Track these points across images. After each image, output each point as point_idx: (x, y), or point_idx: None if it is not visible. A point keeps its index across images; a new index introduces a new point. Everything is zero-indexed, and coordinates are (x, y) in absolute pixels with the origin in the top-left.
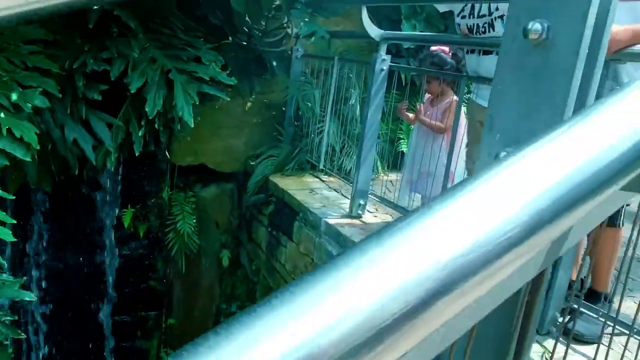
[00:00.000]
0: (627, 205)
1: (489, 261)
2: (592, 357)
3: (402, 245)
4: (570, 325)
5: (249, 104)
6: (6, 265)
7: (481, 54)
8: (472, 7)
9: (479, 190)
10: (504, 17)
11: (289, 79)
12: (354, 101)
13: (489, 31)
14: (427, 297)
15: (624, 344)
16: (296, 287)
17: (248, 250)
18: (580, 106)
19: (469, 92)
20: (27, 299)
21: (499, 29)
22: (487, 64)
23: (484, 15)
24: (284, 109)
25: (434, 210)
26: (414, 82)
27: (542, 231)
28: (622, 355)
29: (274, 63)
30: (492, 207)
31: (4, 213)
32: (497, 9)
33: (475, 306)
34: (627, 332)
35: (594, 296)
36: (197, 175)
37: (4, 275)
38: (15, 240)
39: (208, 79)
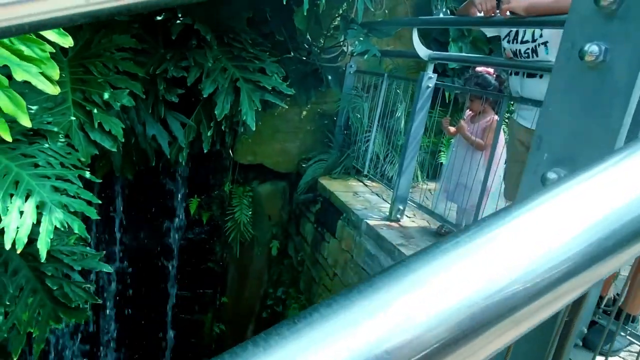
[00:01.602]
0: None
1: (543, 291)
2: None
3: (452, 266)
4: (590, 336)
5: (304, 112)
6: (90, 240)
7: (525, 76)
8: (516, 33)
9: (538, 213)
10: (547, 44)
11: (341, 91)
12: (399, 114)
13: (532, 57)
14: (475, 325)
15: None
16: (337, 302)
17: (295, 242)
18: (635, 129)
19: (510, 112)
20: (105, 271)
21: (542, 55)
22: (529, 86)
23: (527, 42)
24: (335, 118)
25: (490, 230)
26: (457, 100)
27: (602, 261)
28: None
29: (329, 77)
30: (552, 232)
31: (91, 194)
32: (541, 35)
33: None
34: None
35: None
36: (255, 172)
37: (87, 248)
38: (99, 218)
39: (270, 88)
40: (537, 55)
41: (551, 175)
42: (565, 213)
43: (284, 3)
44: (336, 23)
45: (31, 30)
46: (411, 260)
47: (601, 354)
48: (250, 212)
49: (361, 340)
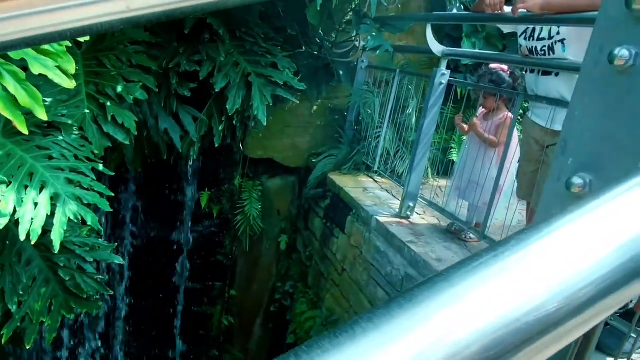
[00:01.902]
0: None
1: (584, 307)
2: None
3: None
4: (602, 338)
5: (315, 107)
6: (103, 231)
7: (540, 74)
8: (533, 30)
9: (579, 226)
10: (565, 42)
11: (353, 87)
12: (410, 111)
13: (549, 54)
14: (515, 342)
15: None
16: (378, 316)
17: (304, 237)
18: None
19: (525, 110)
20: (117, 262)
21: (559, 52)
22: (544, 84)
23: (543, 39)
24: (346, 113)
25: (529, 243)
26: (470, 96)
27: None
28: None
29: (341, 72)
30: (594, 247)
31: (104, 187)
32: (558, 33)
33: None
34: None
35: (631, 315)
36: (265, 167)
37: (100, 240)
38: (111, 210)
39: (282, 83)
40: (553, 53)
41: (577, 180)
42: (608, 226)
43: None
44: (348, 18)
45: (73, 37)
46: (450, 273)
47: (611, 355)
48: (259, 206)
49: (403, 355)
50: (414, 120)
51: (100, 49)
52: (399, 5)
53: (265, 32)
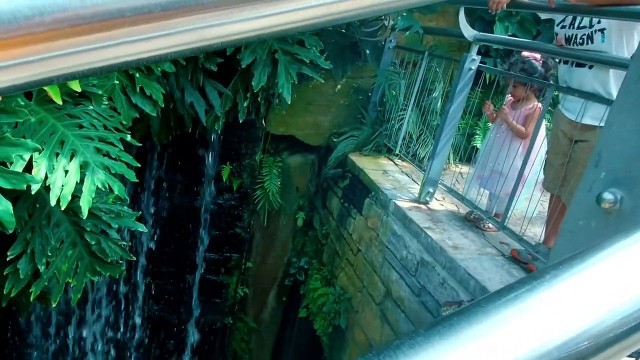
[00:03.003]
0: None
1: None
2: None
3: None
4: None
5: (339, 86)
6: (128, 200)
7: (574, 65)
8: (574, 18)
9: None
10: (605, 31)
11: (379, 67)
12: (436, 94)
13: (587, 43)
14: None
15: None
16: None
17: (321, 215)
18: None
19: (556, 102)
20: (140, 230)
21: (598, 42)
22: (578, 76)
23: (584, 27)
24: (370, 94)
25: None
26: (498, 82)
27: None
28: None
29: (367, 51)
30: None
31: (130, 157)
32: (599, 22)
33: None
34: None
35: None
36: (286, 143)
37: (125, 207)
38: (137, 180)
39: (308, 61)
40: (592, 42)
41: (607, 196)
42: None
43: None
44: None
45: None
46: (488, 302)
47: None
48: (279, 182)
49: None
50: (439, 104)
51: None
52: None
53: None
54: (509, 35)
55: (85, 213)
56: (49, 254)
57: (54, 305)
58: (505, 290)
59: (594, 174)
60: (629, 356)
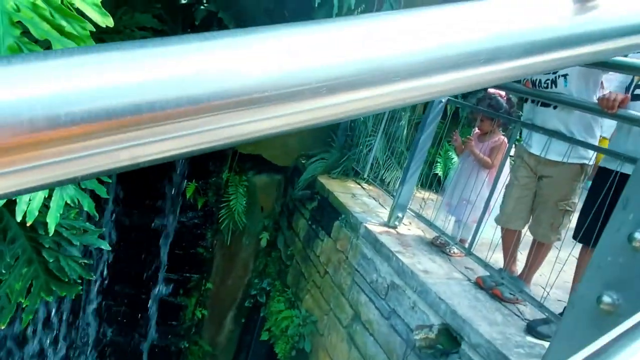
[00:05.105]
0: None
1: None
2: None
3: None
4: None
5: None
6: (97, 217)
7: (539, 104)
8: None
9: None
10: (567, 77)
11: None
12: (403, 122)
13: (551, 87)
14: None
15: None
16: None
17: (286, 236)
18: None
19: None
20: (103, 247)
21: (561, 87)
22: (542, 115)
23: (548, 73)
24: None
25: None
26: (456, 114)
27: None
28: None
29: None
30: None
31: None
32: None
33: None
34: None
35: None
36: (252, 162)
37: (87, 223)
38: (107, 196)
39: None
40: (556, 86)
41: (638, 235)
42: None
43: None
44: None
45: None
46: None
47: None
48: (245, 201)
49: None
50: (405, 131)
51: (105, 30)
52: None
53: None
54: None
55: (52, 230)
56: (2, 272)
57: (2, 328)
58: None
59: (623, 216)
60: (548, 340)
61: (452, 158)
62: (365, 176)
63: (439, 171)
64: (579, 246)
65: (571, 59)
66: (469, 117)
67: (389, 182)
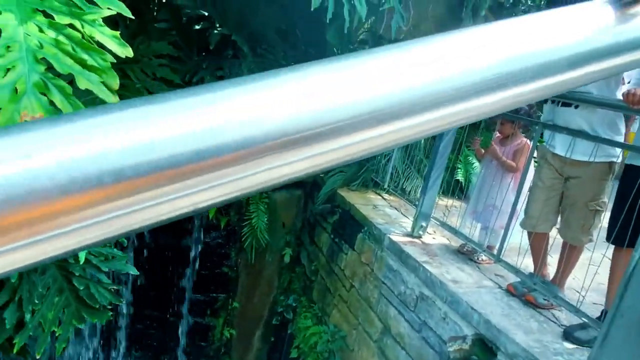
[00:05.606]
0: None
1: None
2: None
3: None
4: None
5: None
6: (125, 243)
7: (560, 105)
8: None
9: None
10: None
11: None
12: None
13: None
14: None
15: None
16: None
17: (309, 251)
18: None
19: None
20: (131, 272)
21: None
22: (563, 115)
23: None
24: None
25: None
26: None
27: None
28: None
29: None
30: None
31: None
32: None
33: None
34: None
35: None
36: None
37: (114, 249)
38: None
39: None
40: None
41: None
42: None
43: (312, 9)
44: (362, 37)
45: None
46: None
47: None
48: (266, 219)
49: None
50: (423, 140)
51: (125, 60)
52: (411, 27)
53: (284, 50)
54: None
55: (82, 258)
56: (36, 302)
57: (38, 358)
58: None
59: None
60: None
61: (473, 163)
62: (386, 186)
63: (460, 177)
64: (612, 246)
65: (616, 68)
66: (487, 120)
67: (409, 191)
